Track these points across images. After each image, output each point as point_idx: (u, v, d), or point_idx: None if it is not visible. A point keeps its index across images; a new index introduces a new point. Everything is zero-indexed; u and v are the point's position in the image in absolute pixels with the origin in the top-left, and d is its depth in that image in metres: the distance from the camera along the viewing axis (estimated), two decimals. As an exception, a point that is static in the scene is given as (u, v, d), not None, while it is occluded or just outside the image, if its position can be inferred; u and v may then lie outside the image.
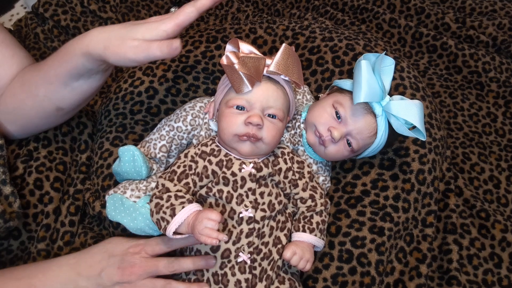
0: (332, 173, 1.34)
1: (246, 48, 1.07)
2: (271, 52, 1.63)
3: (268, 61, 1.08)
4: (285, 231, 1.11)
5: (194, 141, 1.25)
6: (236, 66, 1.02)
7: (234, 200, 1.05)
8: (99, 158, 1.35)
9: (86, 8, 1.91)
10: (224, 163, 1.08)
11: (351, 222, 1.22)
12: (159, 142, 1.21)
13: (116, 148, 1.34)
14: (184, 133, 1.22)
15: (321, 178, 1.27)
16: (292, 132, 1.25)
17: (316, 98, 1.43)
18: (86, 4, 1.91)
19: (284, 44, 1.08)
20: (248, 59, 1.03)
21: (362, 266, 1.16)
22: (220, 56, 1.57)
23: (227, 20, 2.06)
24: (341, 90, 1.21)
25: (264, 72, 1.08)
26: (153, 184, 1.15)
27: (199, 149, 1.13)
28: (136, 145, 1.30)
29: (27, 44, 1.89)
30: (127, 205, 1.11)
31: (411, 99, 1.17)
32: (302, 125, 1.24)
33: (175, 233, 0.98)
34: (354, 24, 2.04)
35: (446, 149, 1.46)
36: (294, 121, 1.26)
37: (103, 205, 1.26)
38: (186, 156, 1.13)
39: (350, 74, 1.46)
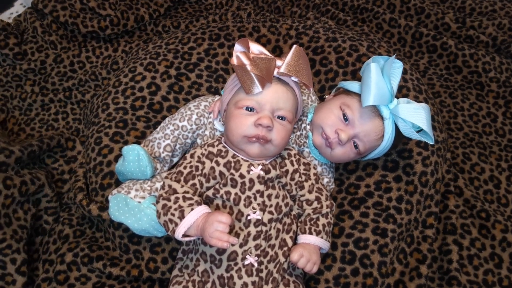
0: (335, 175, 1.34)
1: (256, 48, 1.06)
2: (275, 51, 1.62)
3: (278, 62, 1.07)
4: (291, 233, 1.11)
5: (199, 141, 1.24)
6: (248, 67, 1.01)
7: (242, 202, 1.04)
8: (97, 155, 1.32)
9: (85, 5, 1.90)
10: (232, 164, 1.07)
11: (354, 223, 1.22)
12: (164, 141, 1.20)
13: (116, 144, 1.33)
14: (189, 132, 1.22)
15: (325, 180, 1.27)
16: (298, 133, 1.25)
17: (320, 99, 1.43)
18: (85, 1, 1.89)
19: (295, 46, 1.07)
20: (260, 60, 1.02)
21: (364, 267, 1.16)
22: (224, 54, 1.57)
23: (227, 18, 2.05)
24: (348, 92, 1.20)
25: (275, 73, 1.07)
26: (158, 185, 1.14)
27: (205, 150, 1.12)
28: (138, 142, 1.29)
29: (25, 38, 1.87)
30: (131, 206, 1.10)
31: (415, 101, 1.18)
32: (308, 127, 1.24)
33: (183, 235, 0.98)
34: (356, 24, 2.03)
35: (446, 151, 1.46)
36: (300, 122, 1.25)
37: (101, 208, 1.24)
38: (192, 156, 1.12)
39: (354, 75, 1.46)
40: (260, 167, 1.07)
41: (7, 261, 1.21)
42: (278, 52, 1.63)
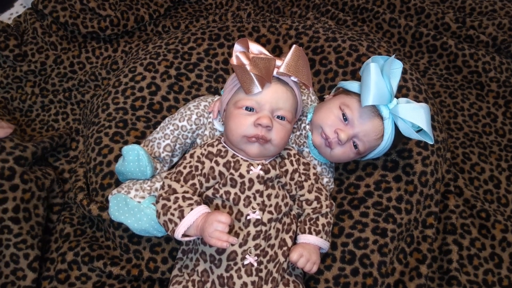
0: (335, 174, 1.34)
1: (255, 48, 1.06)
2: (275, 51, 1.63)
3: (278, 62, 1.07)
4: (290, 233, 1.11)
5: (198, 141, 1.24)
6: (248, 67, 1.01)
7: (242, 202, 1.04)
8: (97, 155, 1.32)
9: (85, 6, 1.91)
10: (232, 164, 1.07)
11: (354, 223, 1.22)
12: (163, 141, 1.21)
13: (116, 144, 1.33)
14: (188, 132, 1.22)
15: (325, 180, 1.27)
16: (298, 133, 1.25)
17: (320, 98, 1.43)
18: (85, 2, 1.89)
19: (294, 46, 1.07)
20: (259, 60, 1.02)
21: (364, 267, 1.16)
22: (224, 54, 1.57)
23: (227, 18, 2.05)
24: (347, 92, 1.20)
25: (274, 73, 1.07)
26: (158, 185, 1.14)
27: (205, 150, 1.12)
28: (138, 142, 1.29)
29: (25, 39, 1.88)
30: (131, 206, 1.10)
31: (415, 101, 1.18)
32: (307, 127, 1.24)
33: (183, 235, 0.98)
34: (356, 24, 2.03)
35: (446, 151, 1.46)
36: (299, 122, 1.25)
37: (101, 208, 1.24)
38: (192, 156, 1.12)
39: (353, 75, 1.46)
40: (259, 167, 1.07)
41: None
42: (278, 52, 1.63)
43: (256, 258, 1.02)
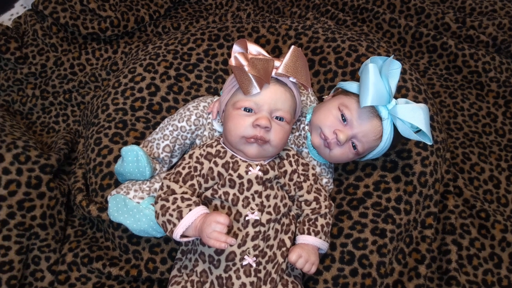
0: (334, 175, 1.34)
1: (254, 49, 1.07)
2: (274, 51, 1.63)
3: (276, 62, 1.07)
4: (289, 234, 1.11)
5: (198, 141, 1.24)
6: (246, 68, 1.02)
7: (240, 202, 1.04)
8: (97, 155, 1.33)
9: (85, 6, 1.91)
10: (231, 165, 1.08)
11: (353, 223, 1.22)
12: (163, 142, 1.21)
13: (116, 145, 1.33)
14: (188, 133, 1.22)
15: (324, 180, 1.27)
16: (297, 134, 1.25)
17: (319, 99, 1.43)
18: (85, 2, 1.90)
19: (293, 46, 1.07)
20: (258, 60, 1.03)
21: (363, 267, 1.16)
22: (223, 55, 1.57)
23: (227, 18, 2.05)
24: (346, 93, 1.20)
25: (273, 74, 1.07)
26: (157, 185, 1.15)
27: (204, 150, 1.12)
28: (137, 143, 1.29)
29: (25, 41, 1.88)
30: (130, 206, 1.11)
31: (414, 101, 1.17)
32: (306, 127, 1.24)
33: (182, 236, 0.98)
34: (356, 25, 2.04)
35: (446, 151, 1.46)
36: (298, 123, 1.25)
37: (101, 209, 1.24)
38: (191, 157, 1.12)
39: (353, 75, 1.46)
40: (258, 167, 1.07)
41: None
42: (277, 52, 1.63)
43: (254, 258, 1.02)
